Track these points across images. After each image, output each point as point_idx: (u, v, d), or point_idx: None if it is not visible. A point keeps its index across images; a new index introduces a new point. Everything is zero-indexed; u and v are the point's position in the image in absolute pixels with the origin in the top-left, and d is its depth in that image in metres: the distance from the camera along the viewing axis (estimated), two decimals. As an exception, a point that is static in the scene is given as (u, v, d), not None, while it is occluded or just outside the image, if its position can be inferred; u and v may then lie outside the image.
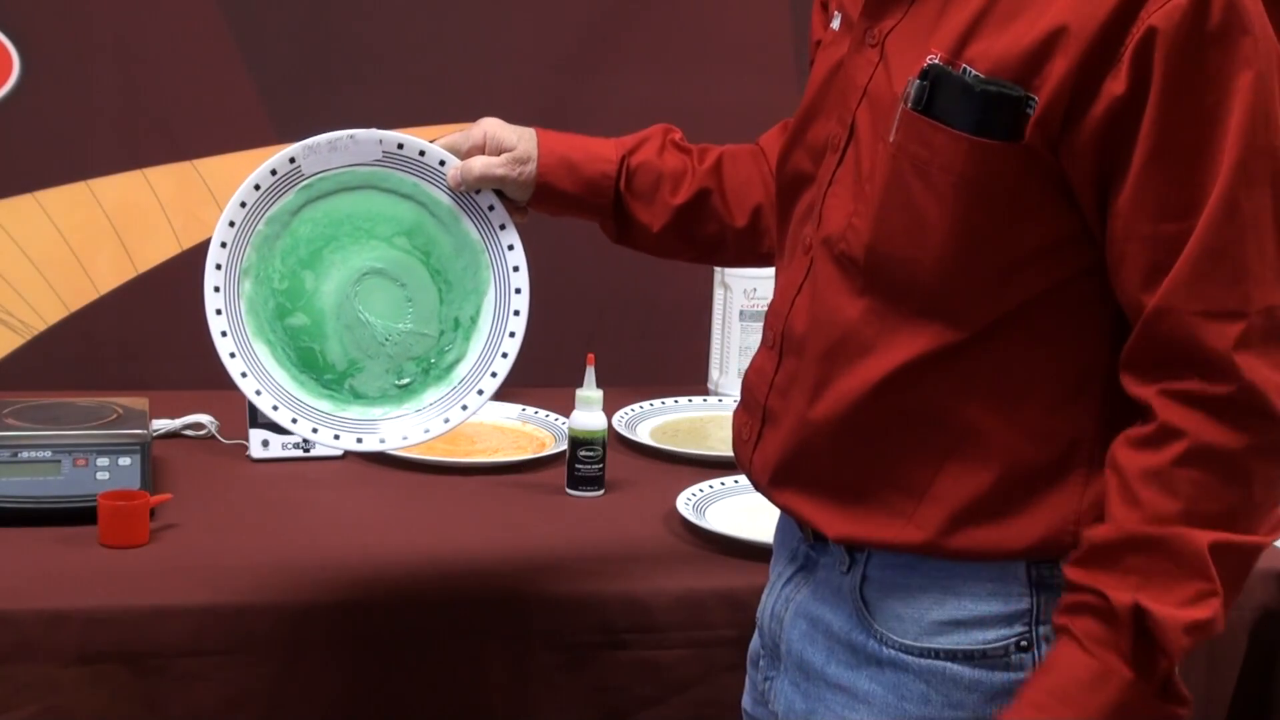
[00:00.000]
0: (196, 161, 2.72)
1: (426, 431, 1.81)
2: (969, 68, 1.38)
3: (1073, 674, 1.37)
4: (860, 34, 1.49)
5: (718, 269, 2.69)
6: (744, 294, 2.66)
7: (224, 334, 1.76)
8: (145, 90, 2.70)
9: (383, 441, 1.80)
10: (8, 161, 2.67)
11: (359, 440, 1.79)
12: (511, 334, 1.84)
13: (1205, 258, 1.33)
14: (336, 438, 1.79)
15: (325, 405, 1.80)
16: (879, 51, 1.47)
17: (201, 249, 2.61)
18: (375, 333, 1.81)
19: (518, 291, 1.84)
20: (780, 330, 1.55)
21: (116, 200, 2.71)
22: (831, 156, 1.51)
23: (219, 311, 1.77)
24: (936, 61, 1.40)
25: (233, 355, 1.77)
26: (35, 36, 2.65)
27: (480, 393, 1.82)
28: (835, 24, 1.56)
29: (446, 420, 1.81)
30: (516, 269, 1.84)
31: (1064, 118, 1.35)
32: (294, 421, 1.77)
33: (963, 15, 1.40)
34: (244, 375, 1.77)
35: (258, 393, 1.77)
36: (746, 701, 1.67)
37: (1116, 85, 1.33)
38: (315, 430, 1.78)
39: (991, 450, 1.44)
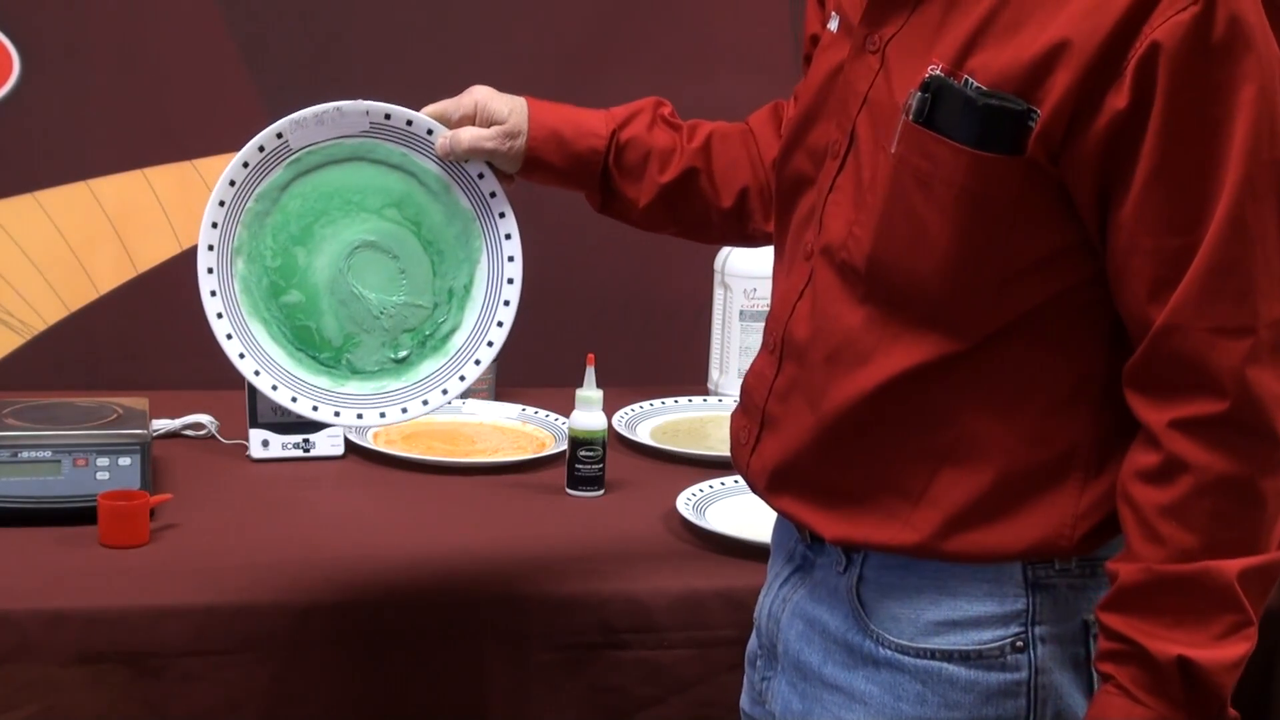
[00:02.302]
0: (196, 161, 2.72)
1: (425, 404, 1.81)
2: (970, 79, 1.38)
3: None
4: (860, 40, 1.48)
5: (717, 269, 2.69)
6: (744, 294, 2.66)
7: (220, 315, 1.76)
8: (145, 90, 2.70)
9: (382, 416, 1.80)
10: (8, 161, 2.67)
11: (359, 415, 1.79)
12: (506, 302, 1.84)
13: (1213, 274, 1.33)
14: (337, 414, 1.79)
15: (323, 382, 1.80)
16: (879, 58, 1.46)
17: (201, 249, 2.59)
18: (370, 306, 1.81)
19: (511, 259, 1.84)
20: (780, 336, 1.55)
21: (116, 200, 2.71)
22: (832, 163, 1.51)
23: (213, 293, 1.77)
24: (938, 73, 1.40)
25: (229, 336, 1.76)
26: (35, 36, 2.65)
27: (477, 362, 1.83)
28: (833, 25, 1.56)
29: (445, 391, 1.81)
30: (509, 236, 1.84)
31: (1066, 131, 1.35)
32: (294, 400, 1.77)
33: (964, 26, 1.39)
34: (242, 356, 1.77)
35: (256, 373, 1.77)
36: (744, 701, 1.68)
37: (1119, 100, 1.33)
38: (316, 408, 1.78)
39: (988, 454, 1.44)
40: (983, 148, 1.37)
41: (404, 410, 1.81)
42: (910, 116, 1.41)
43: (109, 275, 2.73)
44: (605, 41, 2.82)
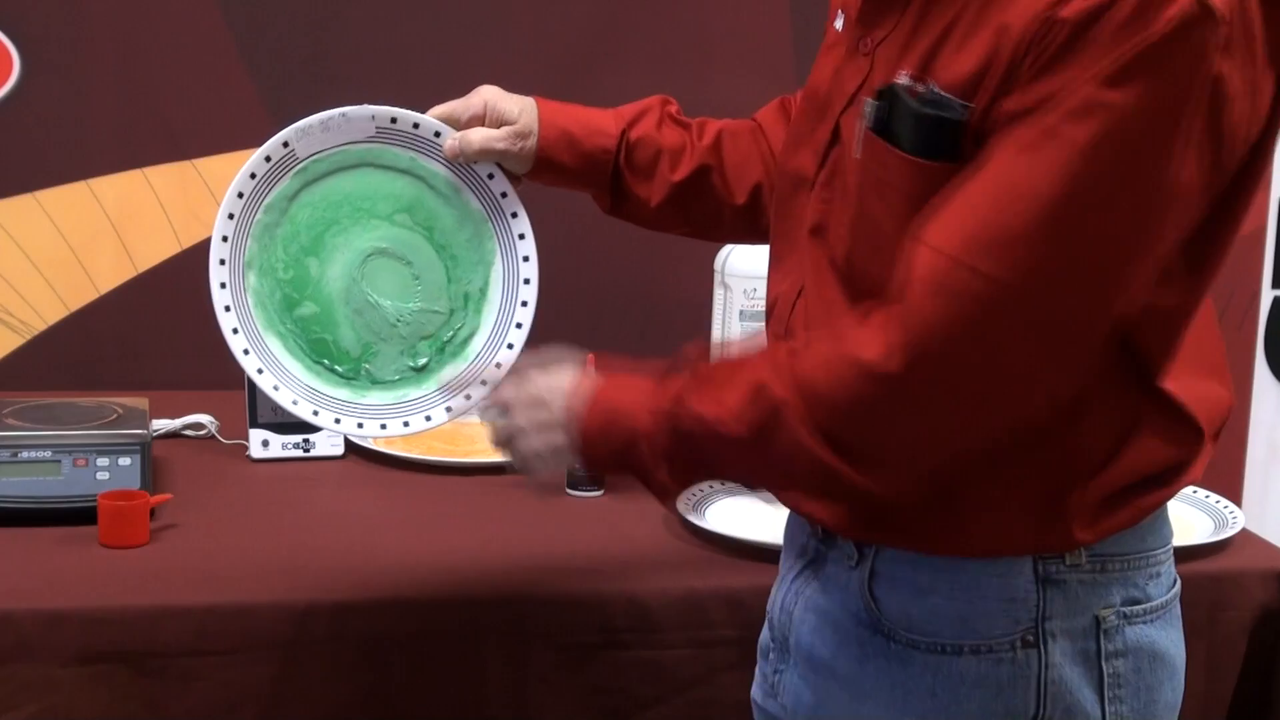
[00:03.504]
0: (196, 161, 2.72)
1: (449, 410, 1.79)
2: (933, 86, 1.37)
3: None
4: (855, 40, 1.49)
5: (717, 268, 2.69)
6: (744, 294, 2.66)
7: (235, 331, 1.74)
8: (145, 90, 2.70)
9: (406, 425, 1.78)
10: (8, 161, 2.67)
11: (383, 426, 1.78)
12: (524, 303, 1.82)
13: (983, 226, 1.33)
14: (360, 426, 1.77)
15: (344, 394, 1.78)
16: (870, 61, 1.47)
17: (202, 248, 2.61)
18: (386, 314, 1.80)
19: (526, 259, 1.83)
20: (782, 334, 1.55)
21: (116, 200, 2.71)
22: (823, 160, 1.52)
23: (228, 308, 1.75)
24: (898, 81, 1.40)
25: (246, 352, 1.75)
26: (35, 36, 2.65)
27: (498, 365, 1.81)
28: (839, 23, 1.56)
29: (468, 396, 1.79)
30: (522, 236, 1.82)
31: (984, 119, 1.35)
32: (315, 414, 1.76)
33: (932, 33, 1.40)
34: (260, 371, 1.75)
35: (275, 388, 1.75)
36: (756, 693, 1.67)
37: (1025, 76, 1.31)
38: (338, 420, 1.76)
39: (994, 450, 1.44)
40: (925, 156, 1.38)
41: (428, 418, 1.79)
42: (869, 124, 1.42)
43: (109, 275, 2.73)
44: (604, 41, 2.82)
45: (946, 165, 1.37)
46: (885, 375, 1.35)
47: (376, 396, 1.78)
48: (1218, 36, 1.28)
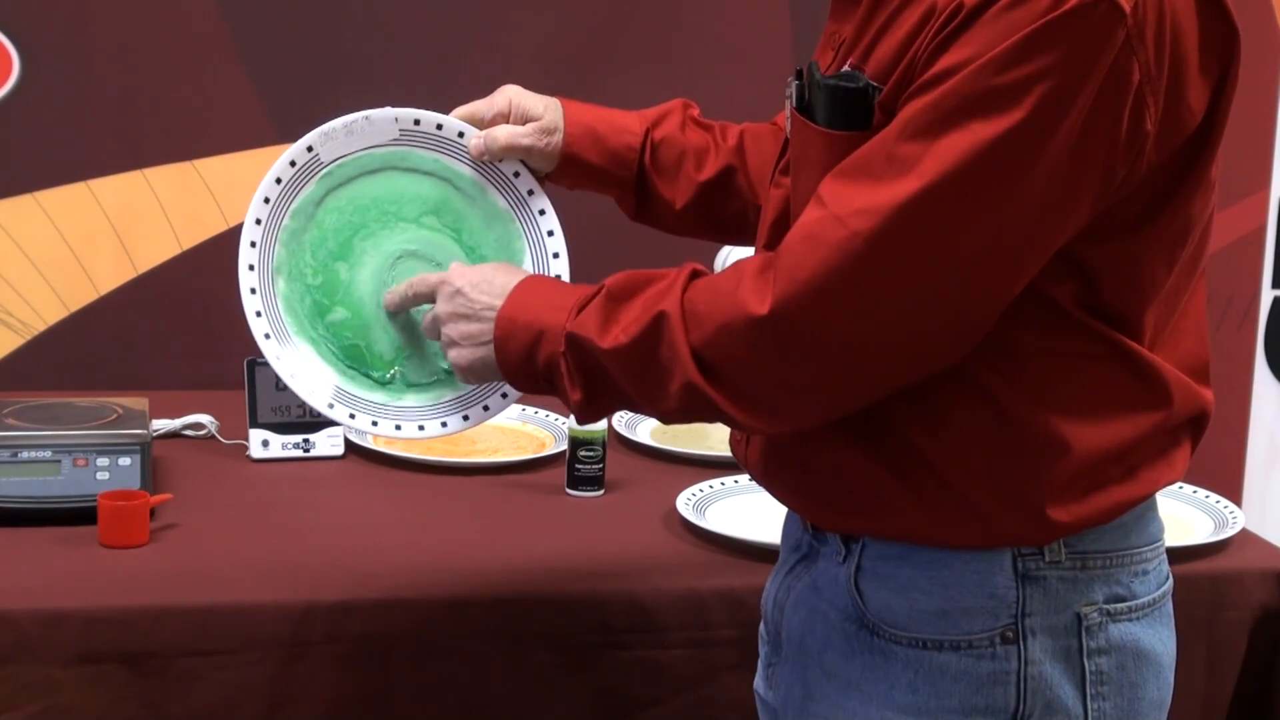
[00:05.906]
0: (196, 161, 2.72)
1: (486, 409, 1.78)
2: (858, 70, 1.40)
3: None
4: (829, 35, 1.51)
5: (717, 269, 2.68)
6: (744, 294, 2.66)
7: (267, 336, 1.72)
8: (145, 90, 2.70)
9: (444, 425, 1.77)
10: (8, 161, 2.67)
11: (420, 428, 1.76)
12: None
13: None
14: (398, 428, 1.75)
15: (379, 397, 1.76)
16: (833, 54, 1.49)
17: (202, 249, 2.63)
18: (418, 317, 1.78)
19: (555, 256, 1.81)
20: None
21: (116, 200, 2.71)
22: (784, 149, 1.55)
23: (259, 314, 1.72)
24: (846, 71, 1.42)
25: (279, 358, 1.74)
26: (35, 36, 2.65)
27: None
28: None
29: (505, 395, 1.77)
30: (551, 233, 1.81)
31: (895, 93, 1.36)
32: (351, 416, 1.74)
33: (877, 24, 1.42)
34: (293, 377, 1.73)
35: (311, 393, 1.74)
36: (758, 683, 1.68)
37: (926, 52, 1.34)
38: (375, 423, 1.75)
39: (965, 439, 1.43)
40: (835, 127, 1.41)
41: (465, 418, 1.77)
42: (793, 104, 1.46)
43: (109, 275, 2.73)
44: (604, 42, 2.82)
45: (855, 134, 1.39)
46: (753, 316, 1.38)
47: (413, 398, 1.77)
48: (1116, 29, 1.30)
